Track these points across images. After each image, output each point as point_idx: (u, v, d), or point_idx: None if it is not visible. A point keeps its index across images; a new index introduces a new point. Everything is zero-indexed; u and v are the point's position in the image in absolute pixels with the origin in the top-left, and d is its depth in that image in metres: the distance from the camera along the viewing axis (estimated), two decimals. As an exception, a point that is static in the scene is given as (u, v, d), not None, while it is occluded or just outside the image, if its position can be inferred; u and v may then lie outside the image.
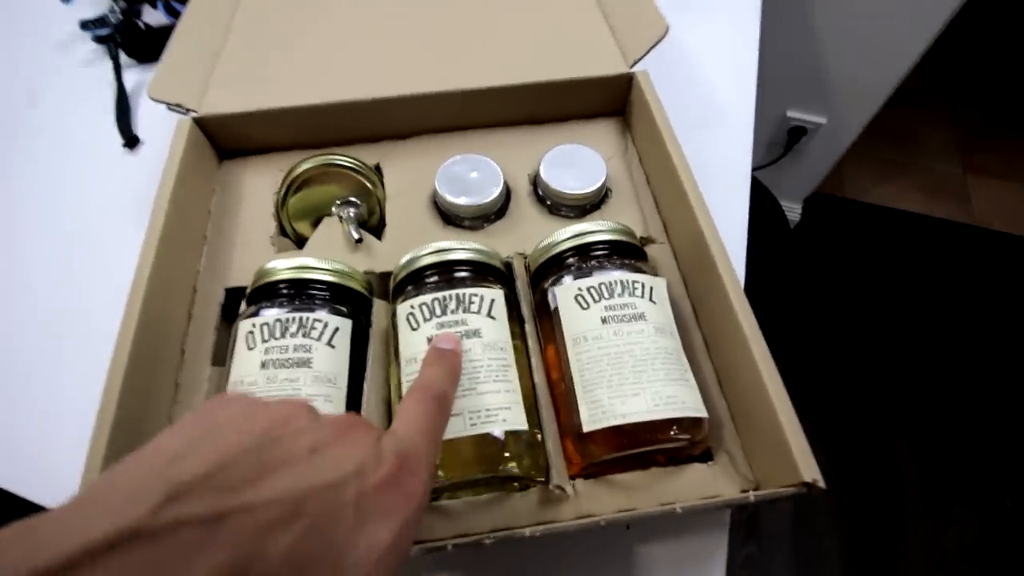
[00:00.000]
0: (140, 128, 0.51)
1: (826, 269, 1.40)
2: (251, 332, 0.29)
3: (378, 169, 0.42)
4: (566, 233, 0.33)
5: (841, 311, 1.33)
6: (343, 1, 0.47)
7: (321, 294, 0.32)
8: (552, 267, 0.34)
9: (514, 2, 0.46)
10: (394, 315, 0.32)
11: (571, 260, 0.33)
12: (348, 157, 0.40)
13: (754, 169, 1.26)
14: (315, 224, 0.39)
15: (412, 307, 0.31)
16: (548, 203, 0.40)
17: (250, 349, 0.29)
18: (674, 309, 0.33)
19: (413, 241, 0.36)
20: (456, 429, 0.26)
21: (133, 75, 0.55)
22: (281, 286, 0.31)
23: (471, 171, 0.39)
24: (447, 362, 0.25)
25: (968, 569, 1.02)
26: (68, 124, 0.52)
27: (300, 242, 0.39)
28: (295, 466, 0.16)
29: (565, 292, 0.31)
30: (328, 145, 0.42)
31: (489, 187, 0.38)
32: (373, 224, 0.40)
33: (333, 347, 0.30)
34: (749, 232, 0.46)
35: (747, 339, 0.29)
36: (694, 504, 0.27)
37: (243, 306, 0.33)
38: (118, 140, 0.50)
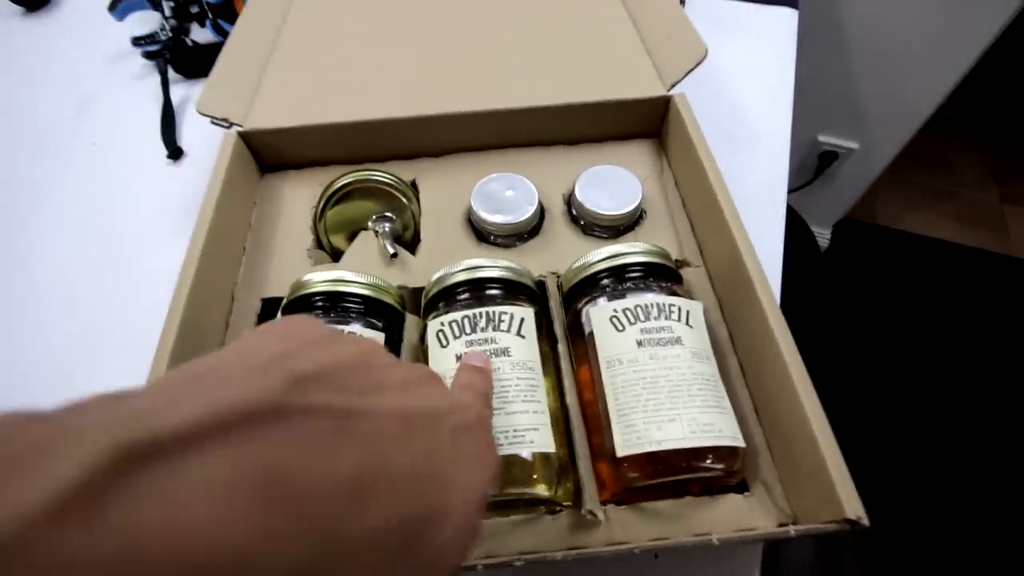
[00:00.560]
0: (184, 141, 0.53)
1: (856, 296, 1.37)
2: (288, 343, 0.29)
3: (414, 185, 0.42)
4: (601, 254, 0.33)
5: (870, 339, 1.30)
6: (383, 22, 0.48)
7: (355, 307, 0.32)
8: (586, 287, 0.33)
9: (552, 23, 0.47)
10: (424, 331, 0.32)
11: (606, 281, 0.33)
12: (385, 173, 0.40)
13: (784, 193, 1.25)
14: (351, 238, 0.40)
15: (442, 324, 0.31)
16: (582, 223, 0.40)
17: (286, 360, 0.29)
18: (710, 334, 0.33)
19: (447, 257, 0.36)
20: (488, 448, 0.26)
21: (180, 90, 0.57)
22: (316, 298, 0.32)
23: (506, 189, 0.39)
24: (479, 383, 0.24)
25: (1005, 616, 0.97)
26: (116, 135, 0.54)
27: (336, 255, 0.40)
28: (395, 390, 0.16)
29: (600, 313, 0.31)
30: (366, 161, 0.43)
31: (524, 205, 0.38)
32: (408, 239, 0.41)
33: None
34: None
35: (787, 365, 0.28)
36: (730, 536, 0.26)
37: (278, 317, 0.33)
38: (163, 152, 0.51)
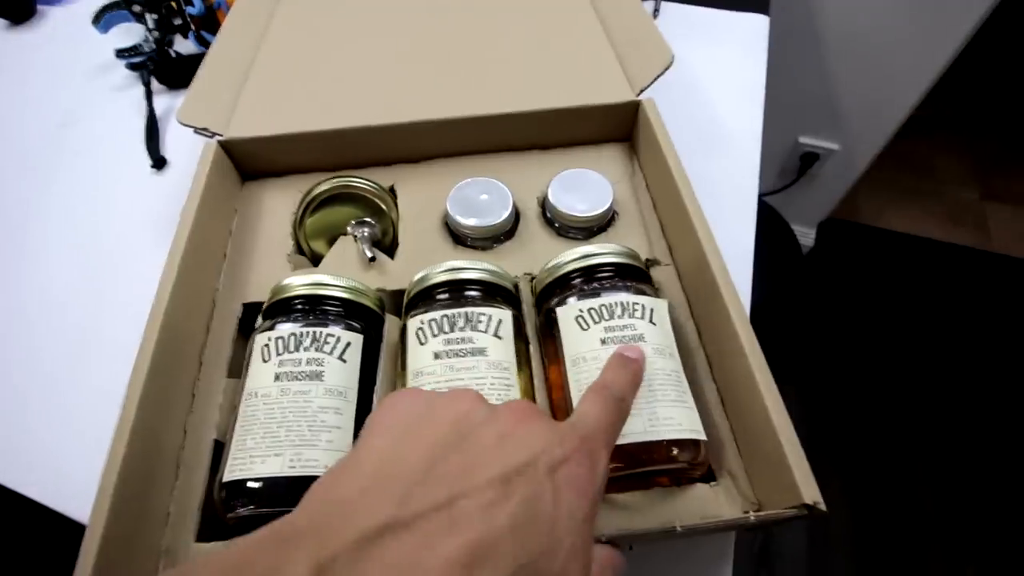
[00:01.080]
0: (167, 150, 0.54)
1: (840, 294, 1.39)
2: (266, 345, 0.30)
3: (392, 191, 0.43)
4: (571, 255, 0.34)
5: (855, 337, 1.31)
6: (360, 32, 0.49)
7: (334, 310, 0.33)
8: (557, 288, 0.34)
9: (525, 30, 0.48)
10: (404, 329, 0.33)
11: (576, 281, 0.34)
12: (363, 179, 0.41)
13: (766, 194, 1.28)
14: (331, 243, 0.41)
15: (422, 322, 0.32)
16: (556, 225, 0.41)
17: (265, 362, 0.30)
18: (678, 330, 0.34)
19: (425, 260, 0.37)
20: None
21: (164, 100, 0.58)
22: (296, 302, 0.33)
23: (481, 193, 0.40)
24: (630, 368, 0.26)
25: (991, 607, 0.99)
26: (100, 145, 0.55)
27: (316, 260, 0.41)
28: (490, 452, 0.18)
29: (567, 313, 0.32)
30: (345, 168, 0.44)
31: (498, 209, 0.39)
32: (387, 244, 0.42)
33: (344, 361, 0.31)
34: (760, 257, 0.46)
35: (748, 360, 0.29)
36: (694, 524, 0.27)
37: (259, 320, 0.34)
38: (147, 161, 0.52)
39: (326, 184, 0.41)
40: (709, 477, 0.31)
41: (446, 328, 0.31)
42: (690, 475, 0.30)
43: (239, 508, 0.26)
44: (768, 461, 0.28)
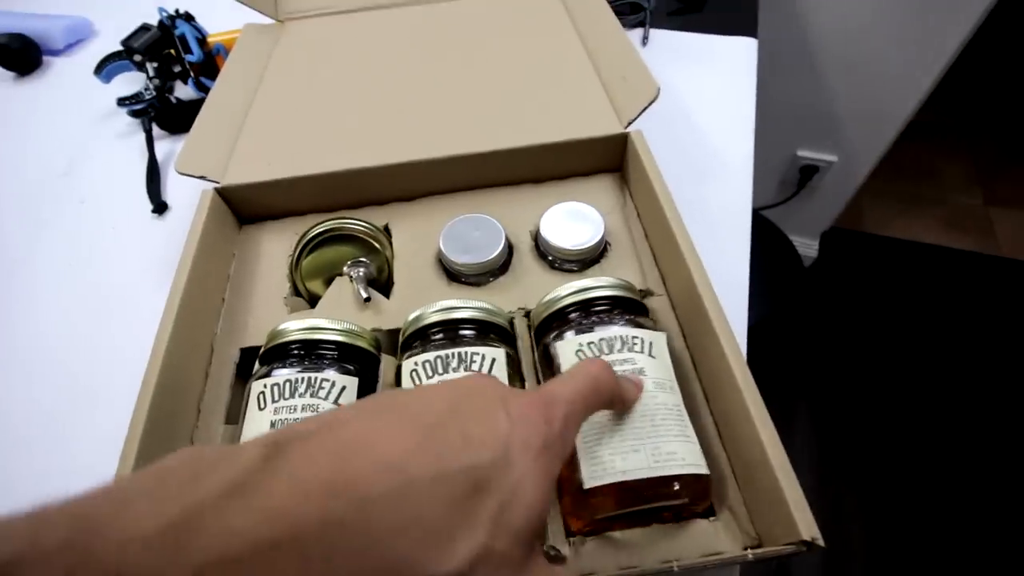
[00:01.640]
0: (169, 195, 0.55)
1: (846, 304, 1.38)
2: (262, 392, 0.31)
3: (387, 230, 0.44)
4: (568, 289, 0.34)
5: (864, 347, 1.30)
6: (352, 77, 0.50)
7: (330, 354, 0.33)
8: (555, 322, 0.35)
9: (513, 68, 0.49)
10: (399, 371, 0.33)
11: (573, 315, 0.34)
12: (358, 220, 0.42)
13: (766, 207, 1.28)
14: (327, 283, 0.41)
15: (416, 364, 0.32)
16: (549, 258, 0.41)
17: (261, 409, 0.30)
18: (675, 361, 0.34)
19: (419, 298, 0.38)
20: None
21: (165, 145, 0.59)
22: (292, 347, 0.33)
23: (474, 230, 0.41)
24: (634, 384, 0.28)
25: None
26: (102, 191, 0.56)
27: (313, 301, 0.41)
28: (443, 387, 0.20)
29: (566, 347, 0.32)
30: (340, 208, 0.44)
31: (491, 245, 0.40)
32: (383, 281, 0.42)
33: (339, 406, 0.31)
34: (761, 272, 0.46)
35: (742, 394, 0.29)
36: (693, 562, 0.27)
37: (256, 366, 0.34)
38: (148, 206, 0.53)
39: (321, 226, 0.41)
40: (709, 511, 0.30)
41: (440, 369, 0.31)
42: (692, 510, 0.30)
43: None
44: (766, 497, 0.27)
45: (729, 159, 0.53)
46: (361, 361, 0.34)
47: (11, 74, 0.69)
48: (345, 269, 0.41)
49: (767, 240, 0.96)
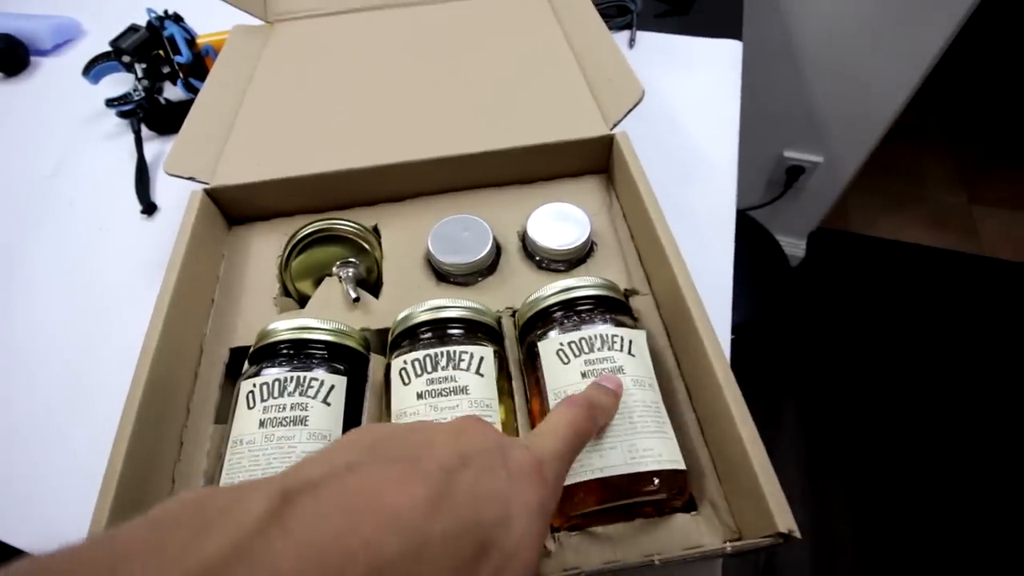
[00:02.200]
0: (158, 195, 0.55)
1: (833, 303, 1.39)
2: (251, 392, 0.31)
3: (376, 230, 0.44)
4: (551, 289, 0.35)
5: (851, 345, 1.32)
6: (341, 79, 0.51)
7: (319, 353, 0.34)
8: (538, 321, 0.35)
9: (501, 70, 0.49)
10: (388, 370, 0.33)
11: (557, 314, 0.35)
12: (347, 220, 0.42)
13: (754, 208, 1.29)
14: (317, 284, 0.42)
15: (405, 362, 0.32)
16: (536, 259, 0.42)
17: (250, 408, 0.30)
18: (658, 359, 0.34)
19: (408, 299, 0.38)
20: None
21: (154, 146, 0.59)
22: (281, 346, 0.33)
23: (462, 230, 0.41)
24: (610, 391, 0.28)
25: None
26: (91, 193, 0.56)
27: (303, 301, 0.42)
28: (448, 436, 0.20)
29: (548, 346, 0.33)
30: (330, 209, 0.45)
31: (479, 245, 0.40)
32: (372, 282, 0.43)
33: (328, 404, 0.31)
34: (747, 272, 0.47)
35: (723, 390, 0.30)
36: (673, 556, 0.27)
37: (246, 366, 0.35)
38: (137, 207, 0.53)
39: (310, 227, 0.42)
40: (691, 506, 0.31)
41: (429, 367, 0.32)
42: (672, 505, 0.30)
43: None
44: (745, 490, 0.28)
45: (714, 161, 0.54)
46: (350, 360, 0.35)
47: (-2, 74, 0.69)
48: (334, 269, 0.42)
49: (754, 240, 0.97)
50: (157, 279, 0.36)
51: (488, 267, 0.41)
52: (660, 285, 0.38)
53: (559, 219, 0.42)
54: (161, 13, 0.59)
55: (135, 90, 0.58)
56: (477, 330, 0.35)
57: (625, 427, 0.29)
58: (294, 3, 0.58)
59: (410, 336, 0.35)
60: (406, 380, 0.32)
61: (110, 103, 0.58)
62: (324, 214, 0.44)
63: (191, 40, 0.59)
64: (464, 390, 0.31)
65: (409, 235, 0.43)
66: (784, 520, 0.26)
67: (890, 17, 0.89)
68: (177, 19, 0.60)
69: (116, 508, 0.27)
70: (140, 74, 0.58)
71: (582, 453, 0.28)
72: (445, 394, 0.31)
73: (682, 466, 0.29)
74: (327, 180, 0.43)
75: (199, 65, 0.60)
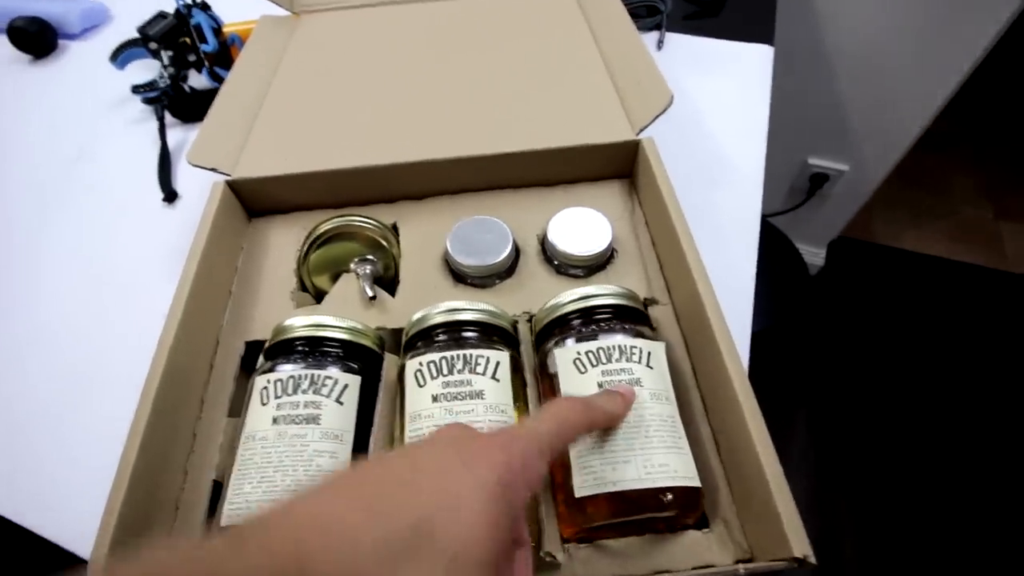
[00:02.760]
0: (179, 183, 0.55)
1: (851, 314, 1.37)
2: (265, 388, 0.31)
3: (395, 228, 0.44)
4: (570, 296, 0.35)
5: (866, 358, 1.30)
6: (366, 74, 0.50)
7: (334, 351, 0.34)
8: (556, 328, 0.35)
9: (527, 71, 0.49)
10: (402, 371, 0.33)
11: (575, 322, 0.34)
12: (366, 217, 0.42)
13: (775, 214, 1.27)
14: (334, 279, 0.42)
15: (420, 364, 0.32)
16: (555, 263, 0.41)
17: (264, 404, 0.30)
18: (676, 369, 0.34)
19: (425, 298, 0.38)
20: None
21: (178, 134, 0.60)
22: (297, 343, 0.33)
23: (482, 232, 0.41)
24: (619, 398, 0.28)
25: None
26: (113, 178, 0.57)
27: (319, 296, 0.42)
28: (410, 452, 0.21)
29: (564, 355, 0.32)
30: (349, 205, 0.45)
31: (498, 248, 0.40)
32: (389, 278, 0.42)
33: (342, 404, 0.31)
34: (766, 280, 0.46)
35: (741, 406, 0.29)
36: (684, 574, 0.27)
37: (260, 360, 0.35)
38: (159, 194, 0.53)
39: (330, 223, 0.41)
40: (703, 522, 0.31)
41: (444, 370, 0.32)
42: (684, 522, 0.30)
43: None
44: (760, 510, 0.28)
45: (740, 166, 0.53)
46: (365, 359, 0.34)
47: (27, 57, 0.70)
48: (352, 266, 0.41)
49: (774, 248, 0.96)
50: (175, 267, 0.36)
51: (506, 270, 0.41)
52: (680, 295, 0.37)
53: (580, 224, 0.41)
54: (189, 1, 0.59)
55: (161, 77, 0.58)
56: (494, 334, 0.35)
57: (641, 441, 0.28)
58: (321, -5, 0.58)
59: (424, 338, 0.35)
60: (421, 382, 0.32)
61: (136, 89, 0.58)
62: (343, 210, 0.44)
63: (217, 29, 0.59)
64: (480, 394, 0.31)
65: (428, 234, 0.43)
66: (800, 545, 0.25)
67: (926, 26, 0.87)
68: (204, 7, 0.60)
69: (129, 498, 0.27)
70: (166, 61, 0.58)
71: (596, 465, 0.28)
72: (461, 398, 0.31)
73: (697, 483, 0.29)
74: (348, 176, 0.43)
75: (225, 54, 0.60)
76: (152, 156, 0.57)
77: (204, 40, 0.58)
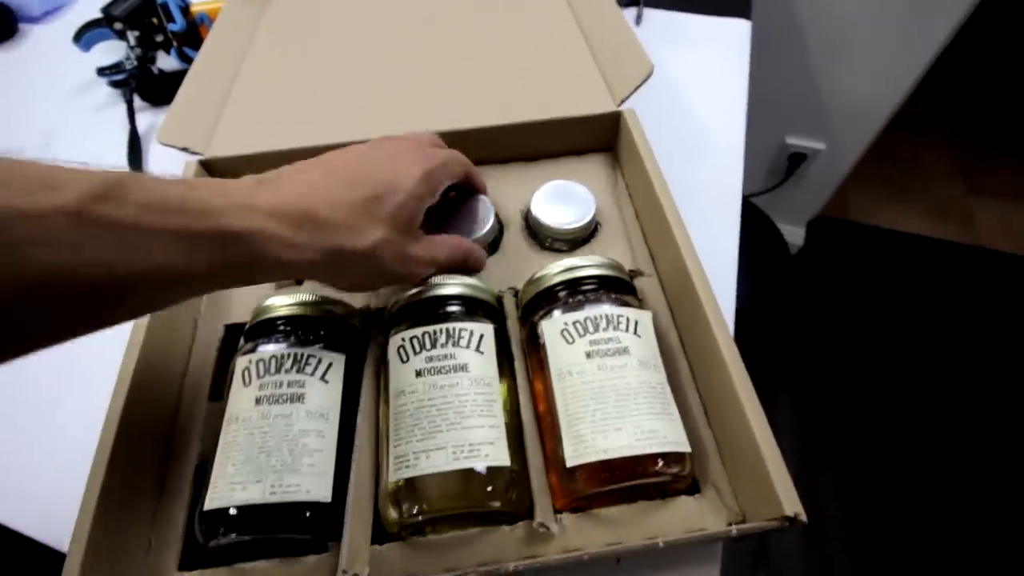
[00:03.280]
0: (151, 167, 0.53)
1: (831, 291, 1.39)
2: (247, 369, 0.30)
3: (375, 206, 0.43)
4: (556, 267, 0.34)
5: (847, 333, 1.32)
6: (341, 49, 0.49)
7: (317, 330, 0.33)
8: (542, 301, 0.34)
9: (506, 44, 0.48)
10: (385, 347, 0.33)
11: (561, 294, 0.34)
12: (346, 195, 0.41)
13: (755, 194, 1.28)
14: (314, 260, 0.41)
15: (403, 340, 0.32)
16: (539, 237, 0.41)
17: (246, 385, 0.30)
18: (662, 339, 0.34)
19: (408, 276, 0.37)
20: (439, 463, 0.27)
21: (147, 117, 0.58)
22: (278, 323, 0.33)
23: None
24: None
25: (987, 601, 0.99)
26: (82, 164, 0.55)
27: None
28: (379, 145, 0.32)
29: (552, 326, 0.32)
30: (327, 184, 0.44)
31: (481, 223, 0.39)
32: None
33: (327, 382, 0.31)
34: (747, 258, 0.47)
35: (729, 371, 0.29)
36: (677, 538, 0.27)
37: (241, 342, 0.34)
38: (129, 180, 0.52)
39: (308, 201, 0.40)
40: (694, 488, 0.31)
41: (428, 345, 0.31)
42: (675, 487, 0.30)
43: (220, 537, 0.26)
44: (750, 473, 0.28)
45: (720, 141, 0.53)
46: (349, 337, 0.34)
47: (-16, 41, 0.67)
48: (332, 245, 0.40)
49: (755, 227, 0.97)
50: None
51: (490, 245, 0.40)
52: (665, 264, 0.37)
53: (563, 197, 0.41)
54: (154, -21, 0.57)
55: (127, 59, 0.56)
56: (477, 308, 0.34)
57: (630, 408, 0.28)
58: (291, -29, 0.57)
59: (409, 313, 0.34)
60: (404, 358, 0.31)
61: (102, 72, 0.56)
62: (322, 189, 0.43)
63: (185, 8, 0.57)
64: (464, 368, 0.30)
65: (409, 212, 0.42)
66: (791, 504, 0.25)
67: (898, 4, 0.88)
68: (170, -14, 0.58)
69: (106, 488, 0.26)
70: (133, 42, 0.56)
71: (587, 433, 0.28)
72: (444, 372, 0.30)
73: (687, 448, 0.29)
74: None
75: (193, 34, 0.58)
76: (122, 141, 0.55)
77: (172, 19, 0.56)
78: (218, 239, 0.22)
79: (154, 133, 0.56)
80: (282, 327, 0.32)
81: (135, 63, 0.56)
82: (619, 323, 0.31)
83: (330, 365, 0.31)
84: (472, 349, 0.31)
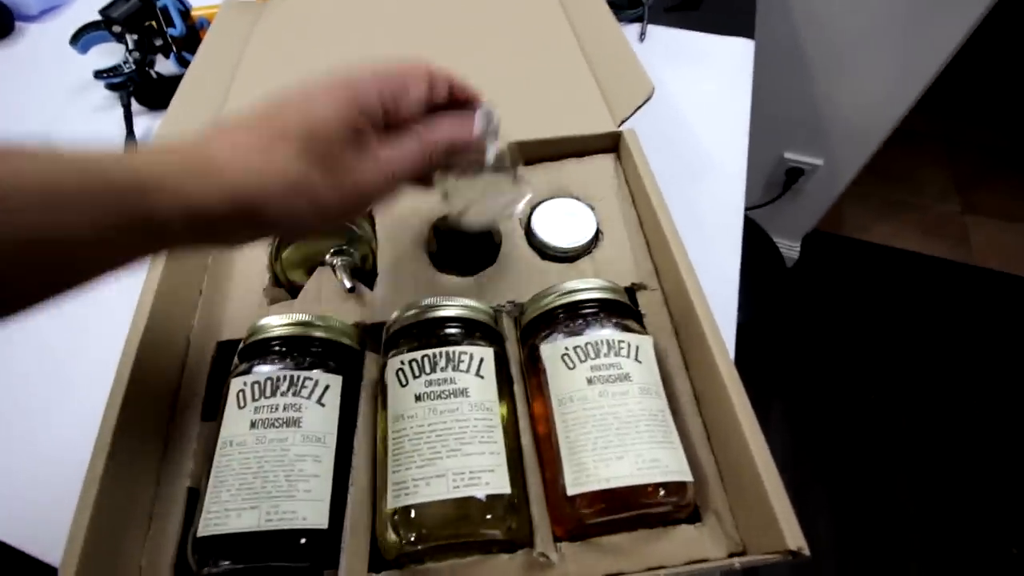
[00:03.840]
0: (146, 174, 0.53)
1: (825, 306, 1.40)
2: (242, 391, 0.30)
3: (370, 216, 0.43)
4: (556, 291, 0.34)
5: (840, 348, 1.33)
6: (339, 55, 0.49)
7: (313, 351, 0.32)
8: (542, 323, 0.34)
9: (507, 62, 0.48)
10: (384, 369, 0.32)
11: (561, 316, 0.34)
12: (344, 209, 0.41)
13: (752, 208, 1.29)
14: (310, 273, 0.40)
15: (402, 363, 0.31)
16: (540, 250, 0.40)
17: (240, 408, 0.29)
18: (665, 357, 0.34)
19: (405, 289, 0.37)
20: (439, 491, 0.26)
21: (144, 121, 0.57)
22: (274, 343, 0.32)
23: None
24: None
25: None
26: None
27: (294, 291, 0.40)
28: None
29: (553, 351, 0.32)
30: (325, 196, 0.43)
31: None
32: (367, 269, 0.41)
33: (323, 405, 0.30)
34: (745, 273, 0.46)
35: (730, 398, 0.29)
36: (679, 570, 0.27)
37: (235, 361, 0.33)
38: (125, 186, 0.51)
39: (306, 215, 0.40)
40: (695, 516, 0.30)
41: (427, 368, 0.31)
42: (676, 516, 0.30)
43: (213, 566, 0.25)
44: (752, 502, 0.27)
45: (722, 160, 0.53)
46: (345, 358, 0.33)
47: (-21, 40, 0.66)
48: (327, 258, 0.40)
49: (752, 241, 0.97)
50: (142, 265, 0.34)
51: (489, 249, 0.40)
52: (669, 284, 0.37)
53: (563, 214, 0.40)
54: (154, -17, 0.56)
55: (126, 62, 0.56)
56: (476, 330, 0.34)
57: (631, 436, 0.28)
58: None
59: (406, 335, 0.33)
60: (403, 381, 0.31)
61: (99, 75, 0.56)
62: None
63: (185, 12, 0.57)
64: (464, 392, 0.30)
65: (405, 221, 0.42)
66: (794, 537, 0.25)
67: (899, 23, 0.88)
68: (171, -10, 0.57)
69: (97, 512, 0.26)
70: (131, 45, 0.55)
71: (588, 462, 0.28)
72: (444, 396, 0.30)
73: (689, 478, 0.28)
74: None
75: (193, 38, 0.57)
76: (118, 145, 0.54)
77: (171, 23, 0.55)
78: (100, 196, 0.20)
79: (151, 137, 0.55)
80: (277, 347, 0.32)
81: (133, 67, 0.56)
82: (620, 349, 0.31)
83: (327, 388, 0.30)
84: (472, 373, 0.31)
